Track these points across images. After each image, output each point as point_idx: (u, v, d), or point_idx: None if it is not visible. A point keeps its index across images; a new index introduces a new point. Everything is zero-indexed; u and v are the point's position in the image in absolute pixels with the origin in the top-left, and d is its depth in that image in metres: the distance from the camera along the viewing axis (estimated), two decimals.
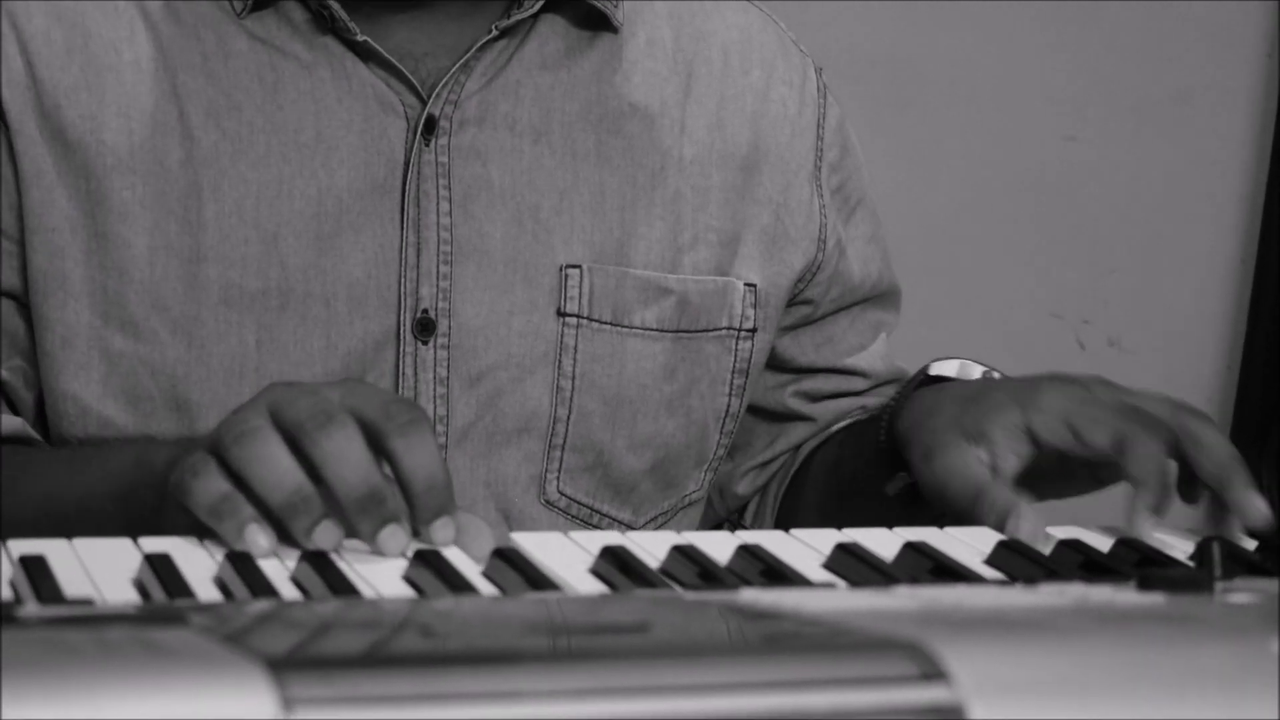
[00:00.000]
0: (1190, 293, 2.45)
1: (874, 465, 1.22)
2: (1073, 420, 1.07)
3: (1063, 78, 2.38)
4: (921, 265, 2.32)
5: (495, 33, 1.18)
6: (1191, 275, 2.45)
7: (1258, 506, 1.02)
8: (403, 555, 0.87)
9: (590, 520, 1.23)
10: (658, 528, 1.26)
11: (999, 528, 1.03)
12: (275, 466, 0.88)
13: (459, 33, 1.19)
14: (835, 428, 1.35)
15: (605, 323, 1.20)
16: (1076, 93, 2.39)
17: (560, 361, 1.20)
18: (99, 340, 1.15)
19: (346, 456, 0.88)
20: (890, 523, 1.07)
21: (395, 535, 0.87)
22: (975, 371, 1.22)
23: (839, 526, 1.00)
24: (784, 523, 1.35)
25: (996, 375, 1.22)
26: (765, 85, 1.28)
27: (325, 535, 0.87)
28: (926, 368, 1.24)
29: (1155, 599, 0.76)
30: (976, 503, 1.07)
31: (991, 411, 1.10)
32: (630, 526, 1.24)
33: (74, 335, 1.15)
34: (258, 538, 0.87)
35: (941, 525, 1.02)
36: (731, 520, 1.39)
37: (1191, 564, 0.98)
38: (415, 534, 0.90)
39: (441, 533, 0.89)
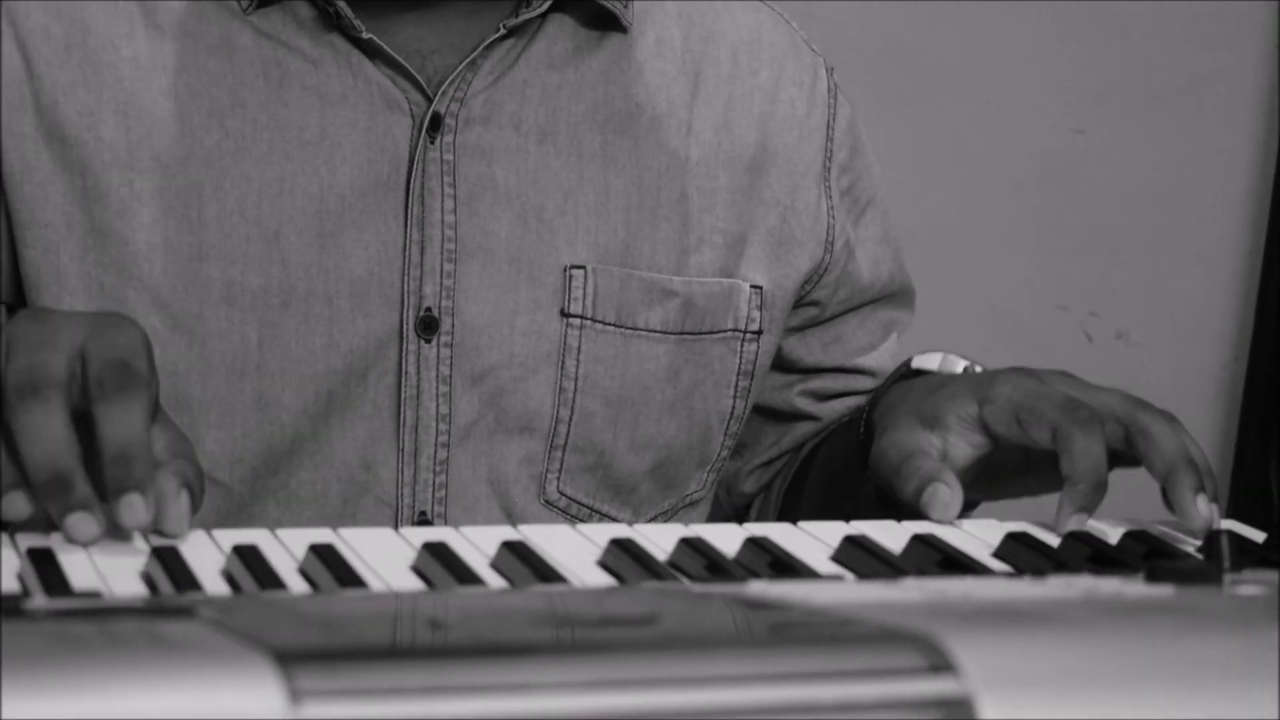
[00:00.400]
0: (1198, 285, 2.45)
1: (855, 458, 1.22)
2: (1019, 412, 1.07)
3: (1070, 70, 2.38)
4: (929, 258, 2.32)
5: (503, 31, 1.18)
6: (1199, 268, 2.44)
7: (1199, 511, 1.00)
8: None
9: (590, 521, 1.22)
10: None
11: (917, 496, 1.04)
12: None
13: (466, 31, 1.18)
14: (834, 426, 1.35)
15: (609, 324, 1.20)
16: (1084, 85, 2.38)
17: (563, 362, 1.19)
18: None
19: (38, 435, 0.85)
20: (872, 515, 1.07)
21: (81, 522, 0.84)
22: (958, 365, 1.22)
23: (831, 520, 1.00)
24: (785, 520, 1.35)
25: (978, 369, 1.22)
26: (774, 86, 1.28)
27: (10, 505, 0.85)
28: (909, 361, 1.24)
29: (1164, 591, 0.75)
30: (901, 469, 1.07)
31: (947, 401, 1.11)
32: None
33: None
34: None
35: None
36: (738, 518, 1.39)
37: (1200, 556, 0.98)
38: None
39: (126, 512, 0.84)
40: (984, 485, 1.13)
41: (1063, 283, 2.41)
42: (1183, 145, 2.42)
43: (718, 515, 1.37)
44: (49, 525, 0.86)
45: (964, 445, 1.10)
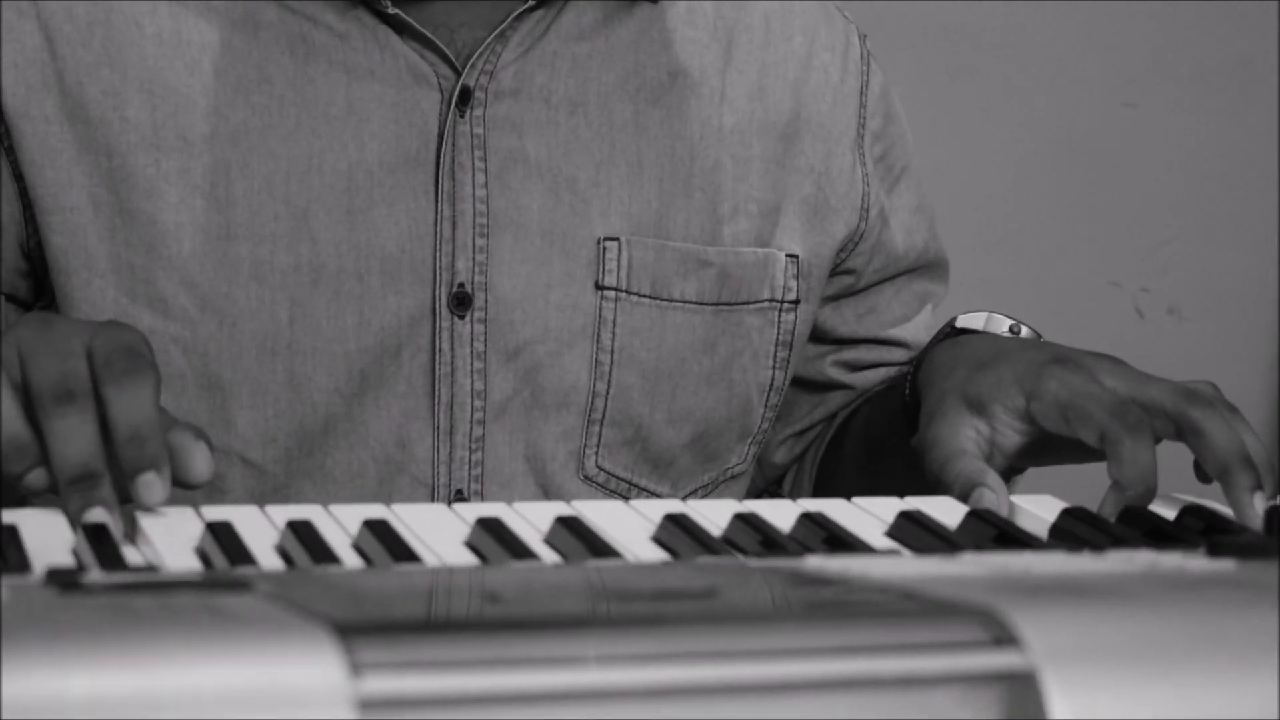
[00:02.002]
0: (1250, 261, 2.43)
1: (899, 421, 1.21)
2: (1067, 412, 1.05)
3: (1120, 44, 2.36)
4: (978, 235, 2.31)
5: (531, 2, 1.17)
6: (1250, 243, 2.43)
7: (1253, 512, 0.98)
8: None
9: (629, 496, 1.21)
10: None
11: (963, 498, 1.03)
12: None
13: (494, 3, 1.17)
14: (869, 392, 1.34)
15: (644, 296, 1.19)
16: (1134, 59, 2.37)
17: (599, 335, 1.18)
18: (126, 318, 1.12)
19: (72, 438, 0.88)
20: (917, 480, 1.06)
21: (97, 516, 0.86)
22: (1003, 325, 1.21)
23: (873, 488, 0.99)
24: (822, 489, 1.34)
25: (1024, 330, 1.21)
26: (807, 52, 1.27)
27: (35, 479, 0.89)
28: (953, 320, 1.23)
29: (1225, 565, 0.75)
30: (944, 470, 1.06)
31: (995, 388, 1.09)
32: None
33: (99, 313, 1.13)
34: None
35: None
36: (770, 490, 1.39)
37: (1259, 532, 0.97)
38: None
39: (146, 491, 0.87)
40: (1032, 455, 1.12)
41: (1114, 259, 2.40)
42: (1234, 119, 2.40)
43: (750, 488, 1.37)
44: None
45: (1011, 433, 1.09)
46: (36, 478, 0.90)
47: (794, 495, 1.36)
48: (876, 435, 1.29)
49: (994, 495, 1.02)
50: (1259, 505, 0.99)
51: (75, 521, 0.86)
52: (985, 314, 1.23)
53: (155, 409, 0.89)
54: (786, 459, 1.37)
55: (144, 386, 0.90)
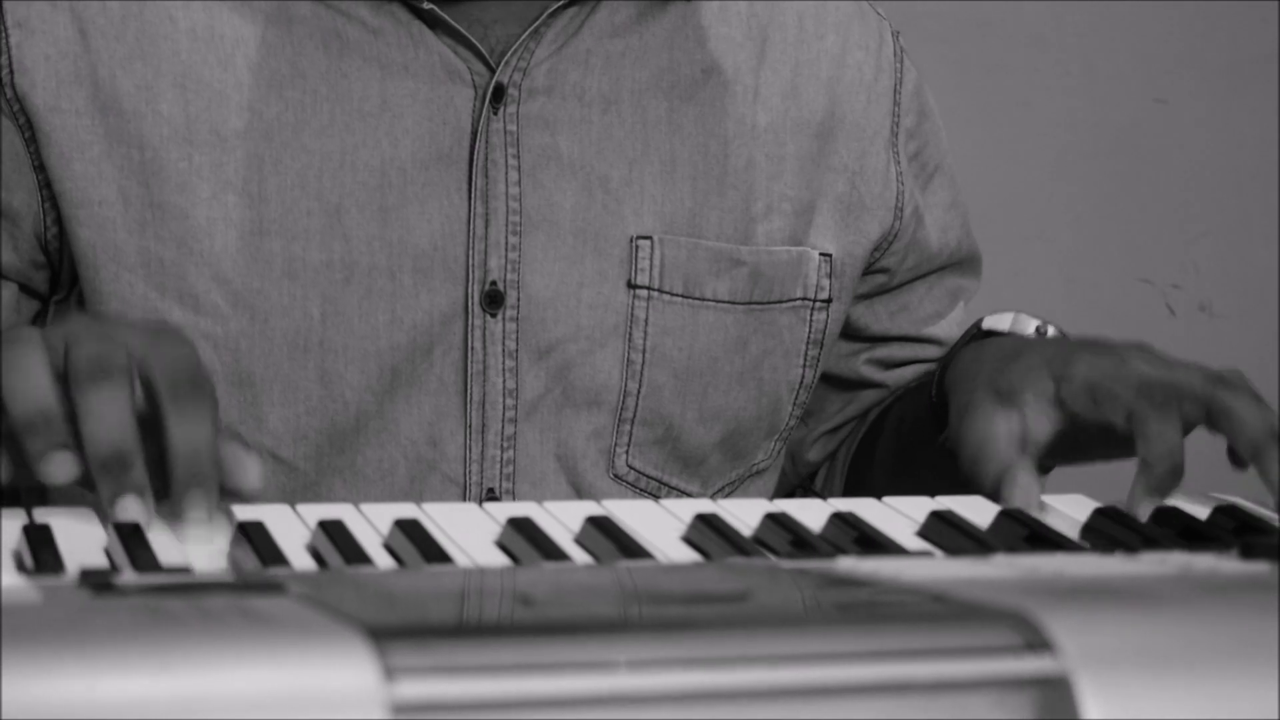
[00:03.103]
0: None
1: (926, 420, 1.21)
2: (1095, 392, 1.05)
3: (1152, 39, 2.35)
4: (1009, 229, 2.30)
5: (565, 0, 1.17)
6: None
7: None
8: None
9: (658, 494, 1.21)
10: (730, 498, 1.25)
11: (995, 489, 1.02)
12: (28, 379, 0.87)
13: (528, 0, 1.17)
14: (901, 390, 1.34)
15: (676, 294, 1.19)
16: (1166, 54, 2.36)
17: (630, 334, 1.18)
18: (155, 313, 1.13)
19: (106, 415, 0.86)
20: (945, 478, 1.05)
21: (133, 506, 0.84)
22: (1029, 326, 1.21)
23: (902, 488, 0.99)
24: (852, 488, 1.34)
25: (1050, 330, 1.20)
26: (841, 50, 1.27)
27: (59, 465, 0.85)
28: (980, 321, 1.23)
29: (1260, 568, 0.74)
30: (976, 462, 1.06)
31: (1024, 375, 1.09)
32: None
33: (129, 308, 1.13)
34: None
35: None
36: (804, 486, 1.38)
37: None
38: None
39: (194, 507, 0.85)
40: (1062, 452, 1.11)
41: (1145, 255, 2.39)
42: (1265, 115, 2.39)
43: (783, 485, 1.36)
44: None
45: (1043, 421, 1.08)
46: (60, 465, 0.86)
47: (826, 493, 1.36)
48: (905, 435, 1.29)
49: (1026, 481, 1.02)
50: None
51: (107, 507, 0.84)
52: (1012, 314, 1.22)
53: (214, 432, 0.88)
54: (819, 456, 1.37)
55: (205, 409, 0.88)
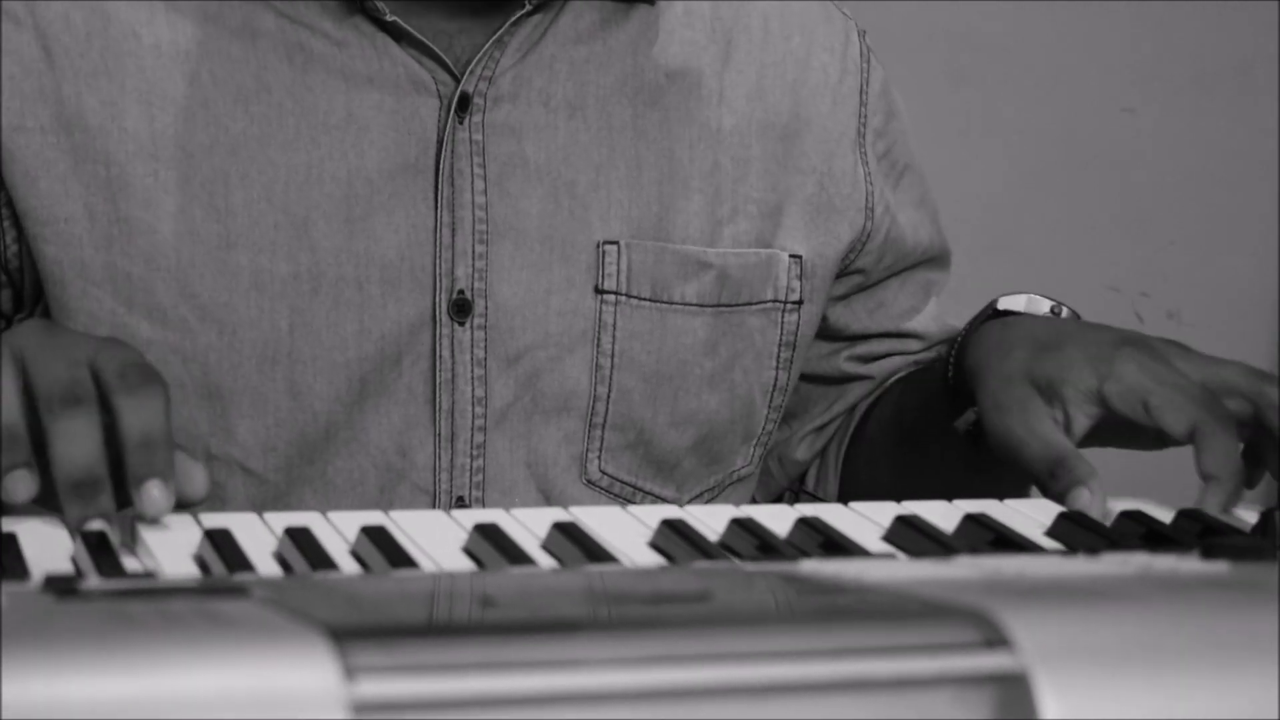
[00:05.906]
0: (1249, 265, 2.43)
1: (939, 404, 1.21)
2: (1149, 399, 1.05)
3: (1120, 49, 2.36)
4: (978, 239, 2.31)
5: (529, 7, 1.17)
6: (1250, 247, 2.43)
7: None
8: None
9: (633, 499, 1.21)
10: (705, 504, 1.25)
11: (1060, 493, 1.03)
12: None
13: (492, 9, 1.17)
14: (889, 382, 1.34)
15: (644, 299, 1.19)
16: (1134, 64, 2.37)
17: (599, 339, 1.18)
18: (124, 328, 1.13)
19: (77, 439, 0.88)
20: (958, 462, 1.05)
21: (97, 528, 0.86)
22: (1043, 307, 1.21)
23: (908, 476, 0.99)
24: (849, 482, 1.34)
25: (1064, 311, 1.21)
26: (806, 52, 1.27)
27: (19, 483, 0.87)
28: (994, 302, 1.23)
29: (1219, 568, 0.75)
30: (1055, 471, 1.05)
31: (1065, 370, 1.09)
32: (675, 504, 1.23)
33: (96, 324, 1.13)
34: None
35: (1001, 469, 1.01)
36: (793, 488, 1.38)
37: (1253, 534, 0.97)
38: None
39: (148, 497, 0.87)
40: (1089, 438, 1.11)
41: (1113, 263, 2.40)
42: (1232, 125, 2.40)
43: (771, 488, 1.36)
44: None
45: (1082, 417, 1.08)
46: (20, 483, 0.87)
47: (819, 490, 1.36)
48: (910, 422, 1.28)
49: (1099, 504, 1.02)
50: None
51: (74, 531, 0.86)
52: (1025, 296, 1.22)
53: (167, 420, 0.90)
54: (808, 455, 1.36)
55: (157, 398, 0.90)
